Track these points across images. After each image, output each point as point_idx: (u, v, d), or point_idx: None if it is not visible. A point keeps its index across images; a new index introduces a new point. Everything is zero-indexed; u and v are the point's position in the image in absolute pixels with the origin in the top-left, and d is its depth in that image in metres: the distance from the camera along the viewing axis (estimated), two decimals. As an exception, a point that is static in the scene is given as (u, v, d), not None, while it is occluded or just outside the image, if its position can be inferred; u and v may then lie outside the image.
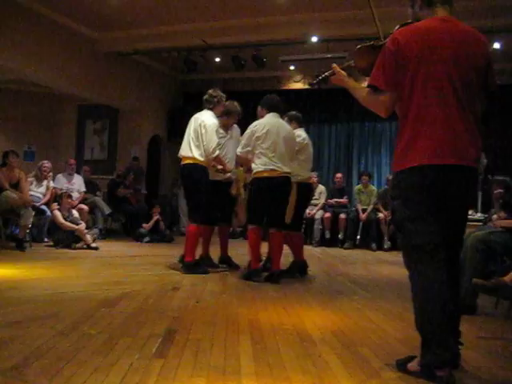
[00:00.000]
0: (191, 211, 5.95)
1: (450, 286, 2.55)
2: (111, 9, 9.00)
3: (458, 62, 2.57)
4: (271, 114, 5.66)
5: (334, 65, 3.05)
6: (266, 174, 5.43)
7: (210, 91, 6.07)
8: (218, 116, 6.07)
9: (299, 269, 5.99)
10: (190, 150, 5.81)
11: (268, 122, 5.57)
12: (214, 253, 6.46)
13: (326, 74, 3.11)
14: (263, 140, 5.46)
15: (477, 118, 2.62)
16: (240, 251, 6.72)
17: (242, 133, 5.97)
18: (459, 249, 2.78)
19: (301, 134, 6.08)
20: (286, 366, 2.64)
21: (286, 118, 6.12)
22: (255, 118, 5.85)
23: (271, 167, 5.42)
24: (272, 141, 5.45)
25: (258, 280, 5.38)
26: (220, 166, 5.90)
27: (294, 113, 6.27)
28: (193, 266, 5.77)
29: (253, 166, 5.57)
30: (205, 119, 5.84)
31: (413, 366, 2.60)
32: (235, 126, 6.37)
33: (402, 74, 2.61)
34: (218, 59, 10.98)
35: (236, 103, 6.23)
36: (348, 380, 2.48)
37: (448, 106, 2.55)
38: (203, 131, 5.75)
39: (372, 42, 2.93)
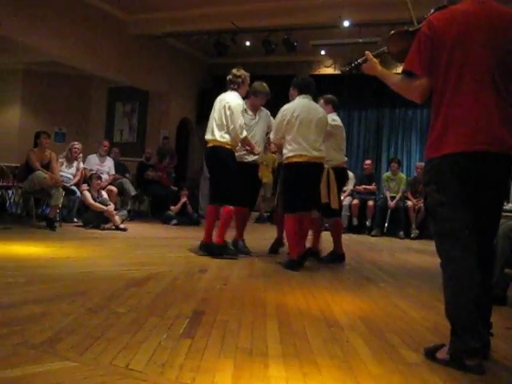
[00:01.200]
0: (217, 194, 5.80)
1: (481, 275, 2.51)
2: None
3: (496, 46, 2.51)
4: (302, 96, 5.50)
5: (368, 52, 3.01)
6: (295, 160, 5.32)
7: (234, 71, 5.85)
8: (244, 97, 5.90)
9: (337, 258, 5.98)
10: (213, 132, 5.69)
11: (298, 105, 5.43)
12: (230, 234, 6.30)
13: (359, 60, 3.07)
14: (293, 124, 5.33)
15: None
16: (267, 236, 6.70)
17: (272, 115, 5.89)
18: (493, 238, 2.72)
19: (336, 118, 5.99)
20: (313, 350, 2.64)
21: (321, 100, 6.01)
22: (285, 102, 5.75)
23: (300, 152, 5.30)
24: (302, 125, 5.32)
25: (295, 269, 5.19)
26: (248, 148, 5.80)
27: (330, 96, 6.13)
28: (222, 248, 5.69)
29: (284, 151, 5.45)
30: (230, 100, 5.67)
31: (441, 354, 2.57)
32: (263, 108, 6.23)
33: (437, 58, 2.57)
34: (248, 43, 10.92)
35: (264, 84, 6.09)
36: (376, 366, 2.47)
37: (484, 92, 2.49)
38: (228, 113, 5.60)
39: (406, 28, 2.88)
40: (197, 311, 3.29)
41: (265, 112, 6.24)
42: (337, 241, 6.06)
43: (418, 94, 2.68)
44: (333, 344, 2.77)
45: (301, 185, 5.35)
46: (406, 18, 3.19)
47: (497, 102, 2.49)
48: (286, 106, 5.53)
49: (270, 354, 2.53)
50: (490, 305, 2.67)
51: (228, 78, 5.86)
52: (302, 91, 5.55)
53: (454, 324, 2.50)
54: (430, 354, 2.63)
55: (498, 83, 2.50)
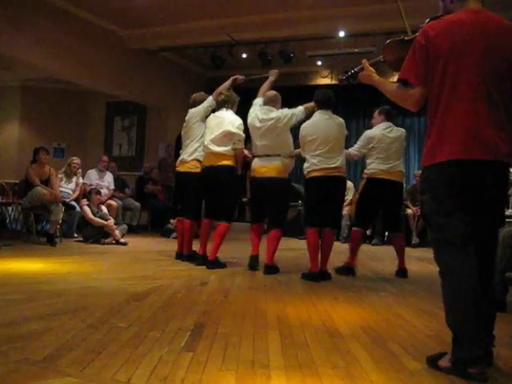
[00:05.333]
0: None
1: (482, 283, 2.50)
2: (139, 6, 9.07)
3: (490, 54, 2.52)
4: (321, 111, 5.53)
5: (364, 60, 3.04)
6: (317, 174, 5.36)
7: (225, 92, 6.13)
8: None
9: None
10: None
11: (315, 122, 5.49)
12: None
13: (355, 69, 3.11)
14: (312, 141, 5.40)
15: (509, 112, 2.56)
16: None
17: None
18: (493, 245, 2.71)
19: None
20: (315, 361, 2.63)
21: None
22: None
23: (321, 166, 5.34)
24: (320, 140, 5.37)
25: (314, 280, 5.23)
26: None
27: None
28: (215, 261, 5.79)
29: (304, 166, 5.54)
30: (231, 120, 5.91)
31: (444, 362, 2.55)
32: None
33: (432, 67, 2.58)
34: (244, 55, 10.97)
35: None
36: (378, 376, 2.46)
37: (478, 100, 2.51)
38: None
39: (402, 37, 2.91)
40: (198, 324, 3.28)
41: None
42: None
43: (413, 103, 2.70)
44: (334, 354, 2.77)
45: (322, 199, 5.37)
46: (401, 27, 3.21)
47: (491, 111, 2.50)
48: (305, 124, 5.61)
49: (271, 366, 2.53)
50: (493, 314, 2.65)
51: (221, 98, 6.10)
52: (321, 106, 5.57)
53: (456, 332, 2.49)
54: (433, 362, 2.62)
55: (492, 92, 2.51)
